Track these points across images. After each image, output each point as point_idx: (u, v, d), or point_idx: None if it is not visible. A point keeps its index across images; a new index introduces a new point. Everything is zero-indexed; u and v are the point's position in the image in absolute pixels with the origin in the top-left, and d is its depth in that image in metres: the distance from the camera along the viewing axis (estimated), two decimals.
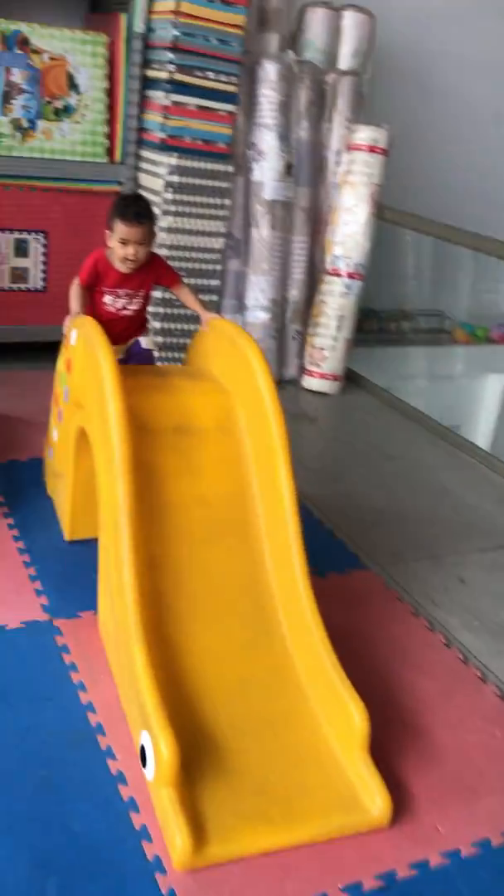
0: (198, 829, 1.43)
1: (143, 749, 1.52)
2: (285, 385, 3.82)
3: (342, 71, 3.66)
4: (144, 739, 1.52)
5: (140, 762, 1.54)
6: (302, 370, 3.83)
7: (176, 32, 3.16)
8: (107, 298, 2.23)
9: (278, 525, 1.89)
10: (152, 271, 2.25)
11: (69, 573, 2.14)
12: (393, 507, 2.80)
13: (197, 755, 1.56)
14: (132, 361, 2.32)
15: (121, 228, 2.13)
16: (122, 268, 2.18)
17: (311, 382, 3.79)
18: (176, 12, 3.14)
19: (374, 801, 1.54)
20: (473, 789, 1.65)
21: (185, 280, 2.37)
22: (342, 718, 1.63)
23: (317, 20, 3.64)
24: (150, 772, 1.49)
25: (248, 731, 1.63)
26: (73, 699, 1.74)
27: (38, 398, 2.74)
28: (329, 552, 2.45)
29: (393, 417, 3.65)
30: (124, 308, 2.25)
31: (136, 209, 2.13)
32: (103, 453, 1.85)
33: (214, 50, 3.24)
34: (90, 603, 1.97)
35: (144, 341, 2.38)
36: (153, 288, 2.30)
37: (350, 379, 3.97)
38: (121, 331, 2.26)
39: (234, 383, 2.07)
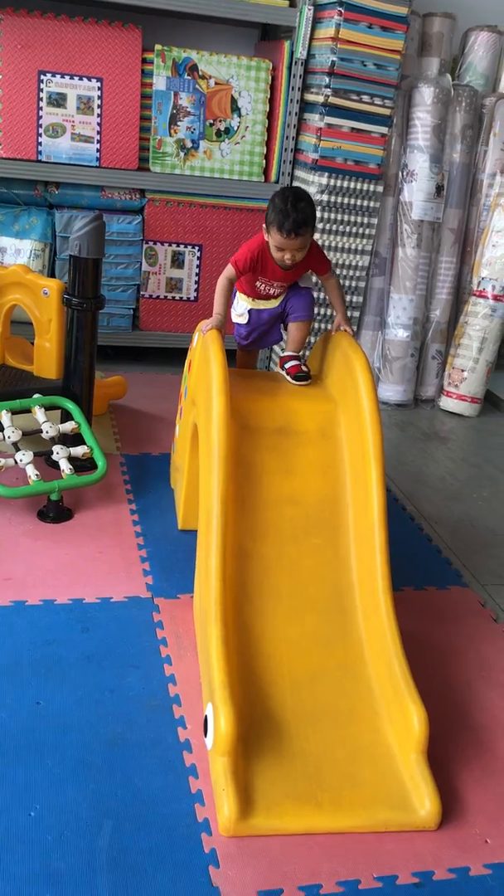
0: (246, 800, 1.52)
1: (206, 720, 1.64)
2: (422, 404, 3.84)
3: (502, 94, 3.65)
4: (208, 711, 1.63)
5: (203, 732, 1.65)
6: (440, 391, 3.84)
7: (334, 58, 3.29)
8: (258, 283, 2.27)
9: (366, 531, 1.95)
10: (306, 259, 2.19)
11: (176, 558, 2.29)
12: None
13: (258, 735, 1.65)
14: (294, 297, 2.32)
15: (277, 238, 2.07)
16: (280, 264, 2.18)
17: (448, 403, 3.79)
18: (335, 39, 3.27)
19: (424, 803, 1.57)
20: None
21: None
22: (403, 721, 1.67)
23: (479, 43, 3.66)
24: (209, 741, 1.60)
25: (311, 720, 1.71)
26: (157, 670, 1.88)
27: (178, 400, 2.94)
28: (432, 568, 2.47)
29: None
30: (276, 296, 2.32)
31: (294, 218, 2.03)
32: (206, 447, 1.99)
33: (371, 74, 3.34)
34: (190, 587, 2.11)
35: (304, 285, 2.34)
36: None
37: (491, 403, 3.93)
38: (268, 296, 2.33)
39: (340, 393, 2.16)
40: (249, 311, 2.36)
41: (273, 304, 2.34)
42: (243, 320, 2.38)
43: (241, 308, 2.37)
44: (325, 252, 3.50)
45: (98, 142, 3.47)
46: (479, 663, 2.06)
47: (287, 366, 2.28)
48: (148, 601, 2.13)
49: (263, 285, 2.28)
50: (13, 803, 1.50)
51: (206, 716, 1.64)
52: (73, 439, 2.57)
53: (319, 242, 3.49)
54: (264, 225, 2.15)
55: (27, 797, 1.51)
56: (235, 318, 2.38)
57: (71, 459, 2.48)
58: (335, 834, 1.53)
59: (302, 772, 1.60)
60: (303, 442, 2.08)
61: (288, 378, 2.26)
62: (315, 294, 2.42)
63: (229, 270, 2.23)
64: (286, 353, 2.33)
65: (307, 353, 2.47)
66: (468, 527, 2.76)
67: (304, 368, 2.26)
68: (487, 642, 2.14)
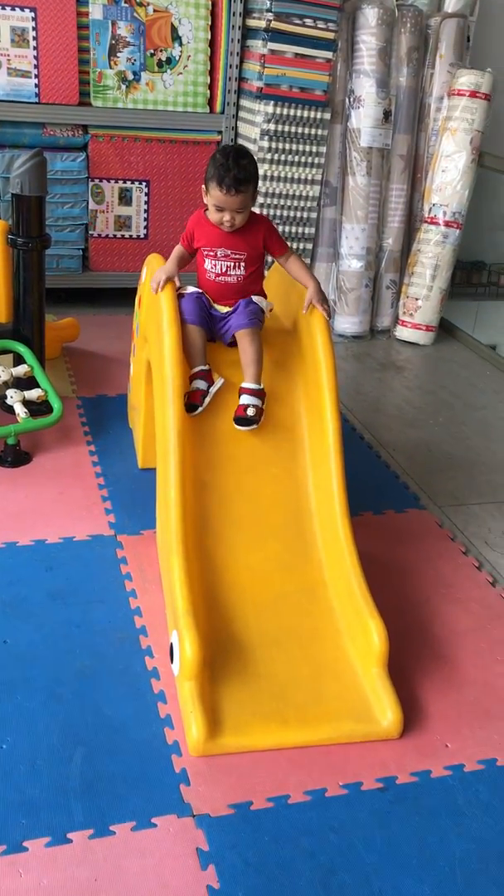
0: (214, 721, 1.57)
1: (171, 647, 1.67)
2: (378, 335, 3.85)
3: (447, 13, 3.59)
4: (173, 638, 1.66)
5: (169, 659, 1.69)
6: (396, 320, 3.84)
7: None
8: (206, 264, 2.04)
9: (322, 458, 1.97)
10: (257, 233, 2.02)
11: (137, 496, 2.30)
12: (465, 454, 2.81)
13: (223, 659, 1.69)
14: (235, 312, 2.05)
15: (216, 195, 1.93)
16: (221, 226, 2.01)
17: (403, 332, 3.80)
18: None
19: (386, 713, 1.62)
20: (490, 714, 1.71)
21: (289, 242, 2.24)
22: (363, 637, 1.72)
23: None
24: (175, 667, 1.64)
25: (276, 642, 1.75)
26: (123, 604, 1.91)
27: (131, 338, 2.91)
28: (390, 492, 2.51)
29: (485, 370, 3.61)
30: (225, 273, 2.03)
31: (235, 174, 1.90)
32: (160, 382, 1.98)
33: None
34: (152, 523, 2.12)
35: (257, 298, 2.09)
36: (263, 256, 2.07)
37: (447, 331, 3.95)
38: (226, 298, 2.06)
39: (292, 323, 2.16)
40: (201, 293, 2.07)
41: (222, 308, 2.07)
42: (194, 290, 2.08)
43: (194, 289, 2.09)
44: (275, 183, 3.48)
45: (36, 76, 3.35)
46: (438, 581, 2.11)
47: (240, 401, 1.98)
48: (111, 539, 2.14)
49: (211, 263, 2.03)
50: None
51: (171, 643, 1.68)
52: (27, 383, 2.55)
53: (269, 173, 3.45)
54: (203, 186, 1.99)
55: None
56: (188, 289, 2.08)
57: (26, 403, 2.46)
58: (302, 748, 1.58)
59: (268, 691, 1.65)
60: None
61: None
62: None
63: (178, 246, 2.10)
64: (243, 384, 2.00)
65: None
66: (425, 452, 2.80)
67: (249, 413, 1.95)
68: (445, 560, 2.20)
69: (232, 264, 2.03)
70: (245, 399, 1.99)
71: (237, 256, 2.02)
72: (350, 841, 1.40)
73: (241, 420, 1.98)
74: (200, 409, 1.98)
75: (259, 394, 2.00)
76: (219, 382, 2.01)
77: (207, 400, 1.98)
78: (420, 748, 1.61)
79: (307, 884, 1.32)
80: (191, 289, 2.09)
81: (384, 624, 1.70)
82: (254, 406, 1.98)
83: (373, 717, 1.63)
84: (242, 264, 2.04)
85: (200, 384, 1.99)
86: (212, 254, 2.03)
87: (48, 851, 1.34)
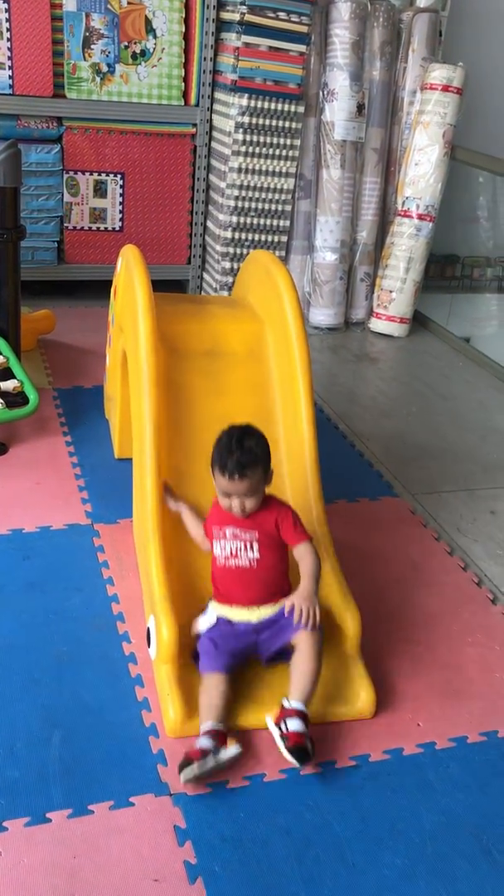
0: (191, 703, 1.59)
1: (148, 631, 1.69)
2: (353, 327, 3.89)
3: (419, 8, 3.62)
4: (150, 623, 1.69)
5: (146, 643, 1.71)
6: (370, 312, 3.88)
7: None
8: (216, 548, 1.74)
9: (297, 446, 2.00)
10: (268, 515, 1.72)
11: (114, 486, 2.32)
12: (437, 443, 2.86)
13: None
14: (272, 635, 1.69)
15: (220, 480, 1.69)
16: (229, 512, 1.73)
17: (377, 325, 3.84)
18: None
19: (359, 694, 1.66)
20: (461, 693, 1.75)
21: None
22: (337, 620, 1.75)
23: None
24: (152, 651, 1.66)
25: None
26: (100, 591, 1.93)
27: (107, 329, 2.92)
28: (364, 481, 2.55)
29: (458, 361, 3.66)
30: (236, 556, 1.71)
31: (238, 457, 1.66)
32: (135, 372, 2.00)
33: None
34: (129, 512, 2.14)
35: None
36: (281, 541, 1.73)
37: (420, 323, 3.99)
38: (243, 591, 1.71)
39: (266, 311, 2.18)
40: (218, 619, 1.71)
41: (249, 615, 1.70)
42: (209, 623, 1.72)
43: (210, 614, 1.73)
44: (249, 175, 3.49)
45: (10, 68, 3.35)
46: (411, 565, 2.15)
47: (287, 728, 1.53)
48: (88, 528, 2.16)
49: (219, 544, 1.73)
50: None
51: (148, 628, 1.70)
52: (3, 374, 2.55)
53: (243, 166, 3.47)
54: (210, 470, 1.74)
55: None
56: (201, 627, 1.73)
57: (1, 394, 2.47)
58: None
59: (244, 674, 1.68)
60: (231, 363, 2.11)
61: (280, 745, 1.51)
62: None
63: None
64: (291, 704, 1.57)
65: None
66: (398, 441, 2.84)
67: (308, 744, 1.50)
68: (417, 546, 2.24)
69: (242, 545, 1.71)
70: (296, 725, 1.52)
71: (247, 536, 1.71)
72: (324, 817, 1.44)
73: (301, 753, 1.49)
74: (197, 772, 1.46)
75: (306, 718, 1.55)
76: (232, 751, 1.51)
77: (211, 766, 1.47)
78: (392, 727, 1.65)
79: (282, 858, 1.36)
80: (205, 623, 1.72)
81: (358, 607, 1.73)
82: (310, 737, 1.53)
83: (346, 698, 1.66)
84: (255, 545, 1.71)
85: (206, 743, 1.50)
86: (220, 533, 1.73)
87: (27, 831, 1.36)
